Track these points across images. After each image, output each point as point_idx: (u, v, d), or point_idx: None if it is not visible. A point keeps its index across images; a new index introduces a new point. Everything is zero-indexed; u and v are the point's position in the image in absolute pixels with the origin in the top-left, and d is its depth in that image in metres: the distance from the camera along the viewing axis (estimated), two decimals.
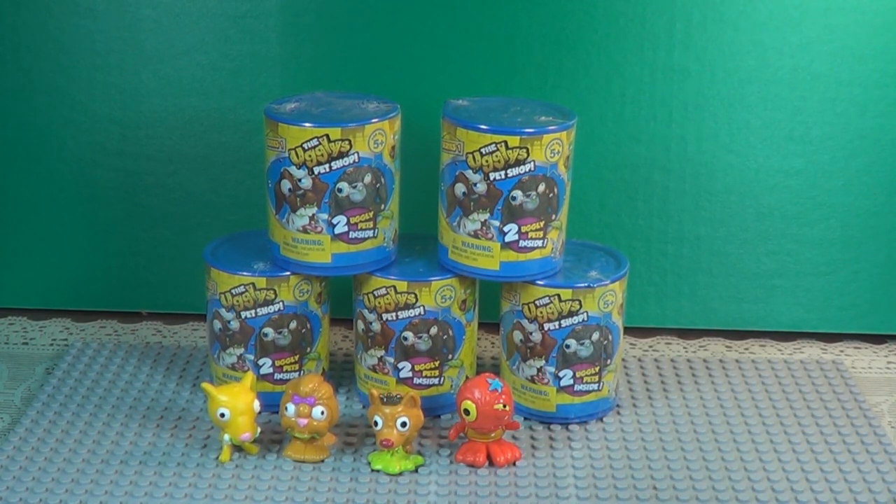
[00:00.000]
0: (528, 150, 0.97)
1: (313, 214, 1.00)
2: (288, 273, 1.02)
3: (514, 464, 0.97)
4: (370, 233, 1.01)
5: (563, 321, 1.01)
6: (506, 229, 0.99)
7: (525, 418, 1.04)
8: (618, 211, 1.19)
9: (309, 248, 1.01)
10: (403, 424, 0.94)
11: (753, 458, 0.98)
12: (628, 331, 1.20)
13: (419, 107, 1.11)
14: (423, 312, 1.01)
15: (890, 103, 1.15)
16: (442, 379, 1.04)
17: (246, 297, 1.02)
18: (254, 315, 1.03)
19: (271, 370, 1.04)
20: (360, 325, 1.04)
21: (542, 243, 1.01)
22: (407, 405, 0.94)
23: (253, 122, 1.16)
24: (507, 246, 1.00)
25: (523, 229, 0.99)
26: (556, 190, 0.99)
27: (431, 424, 1.03)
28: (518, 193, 0.98)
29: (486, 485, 0.94)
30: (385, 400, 0.95)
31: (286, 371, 1.05)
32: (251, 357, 1.04)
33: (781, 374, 1.14)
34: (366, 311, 1.03)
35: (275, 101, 1.03)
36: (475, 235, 1.00)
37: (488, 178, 0.98)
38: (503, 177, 0.97)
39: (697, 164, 1.17)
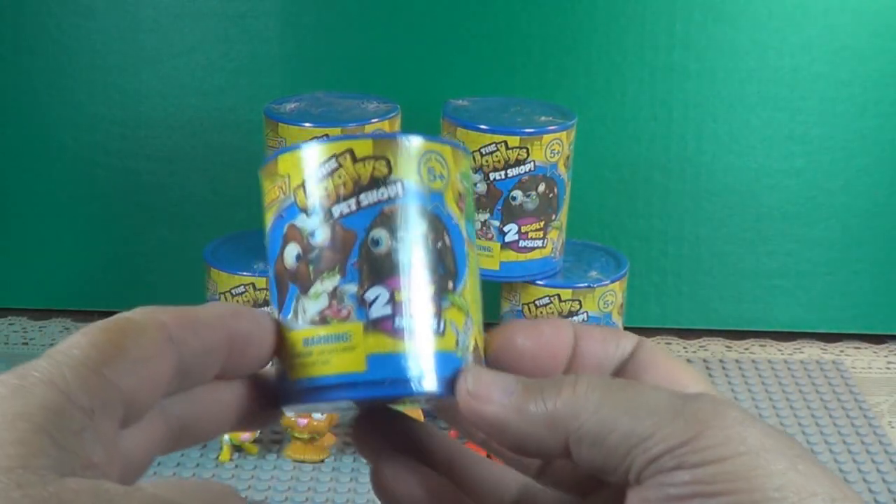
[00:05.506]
0: (528, 150, 0.97)
1: None
2: None
3: None
4: None
5: None
6: (506, 229, 0.99)
7: None
8: (618, 211, 1.19)
9: None
10: None
11: None
12: (628, 331, 1.19)
13: (419, 107, 1.11)
14: None
15: (890, 103, 1.15)
16: None
17: (246, 297, 1.02)
18: None
19: None
20: None
21: (542, 243, 1.01)
22: None
23: (253, 122, 1.16)
24: (506, 246, 1.00)
25: (523, 229, 0.99)
26: (556, 190, 0.99)
27: None
28: (518, 193, 0.98)
29: None
30: None
31: None
32: None
33: (781, 374, 1.14)
34: None
35: (275, 101, 1.03)
36: (475, 236, 1.00)
37: (488, 178, 0.98)
38: (503, 177, 0.97)
39: (697, 164, 1.17)
